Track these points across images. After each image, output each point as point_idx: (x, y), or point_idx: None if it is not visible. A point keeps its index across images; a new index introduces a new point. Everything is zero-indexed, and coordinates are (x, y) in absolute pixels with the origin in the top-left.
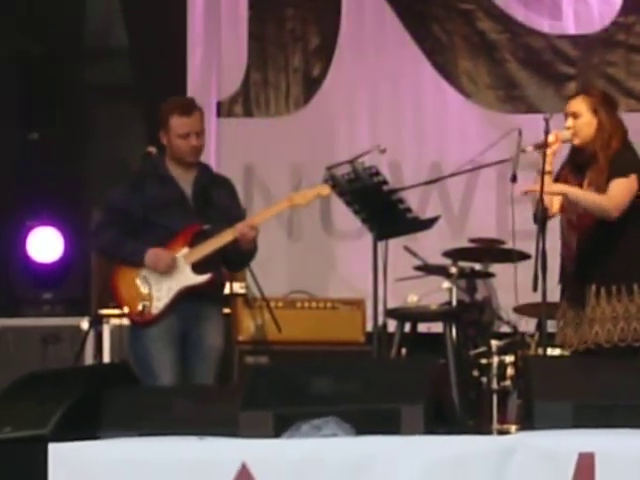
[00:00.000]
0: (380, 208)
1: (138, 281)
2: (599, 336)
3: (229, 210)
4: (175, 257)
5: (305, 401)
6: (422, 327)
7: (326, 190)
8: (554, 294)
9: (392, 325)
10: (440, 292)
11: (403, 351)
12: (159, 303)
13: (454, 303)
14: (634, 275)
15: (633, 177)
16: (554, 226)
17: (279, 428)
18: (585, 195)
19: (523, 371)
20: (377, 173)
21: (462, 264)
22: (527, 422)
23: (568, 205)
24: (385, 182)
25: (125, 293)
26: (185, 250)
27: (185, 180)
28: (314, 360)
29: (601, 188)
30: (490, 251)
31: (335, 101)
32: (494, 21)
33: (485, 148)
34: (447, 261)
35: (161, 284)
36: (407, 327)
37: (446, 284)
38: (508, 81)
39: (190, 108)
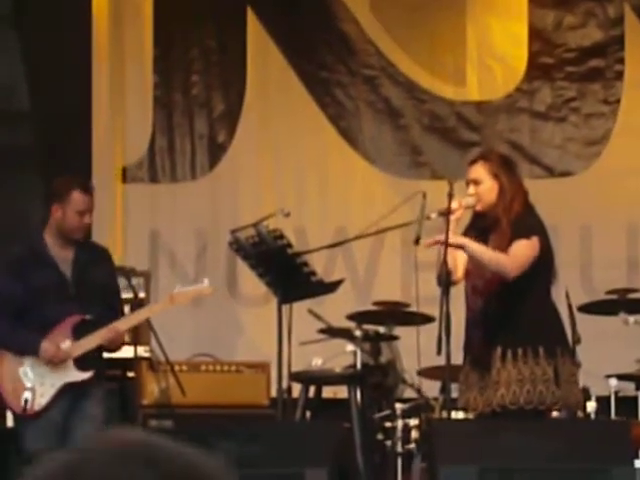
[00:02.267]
0: (284, 271)
1: (21, 374)
2: (505, 398)
3: (107, 288)
4: (68, 352)
5: None
6: (327, 392)
7: (208, 290)
8: (458, 357)
9: (297, 389)
10: (344, 355)
11: (307, 415)
12: (42, 399)
13: (358, 366)
14: (540, 338)
15: (535, 239)
16: (458, 293)
17: None
18: (485, 251)
19: (427, 434)
20: (281, 236)
21: (366, 327)
22: None
23: (473, 270)
24: (289, 245)
25: (7, 385)
26: (67, 343)
27: (64, 260)
28: (218, 424)
29: (505, 252)
30: (394, 314)
31: (240, 166)
32: (398, 87)
33: (390, 210)
34: (351, 324)
35: (44, 379)
36: (312, 390)
37: (350, 347)
38: (412, 147)
39: (90, 187)
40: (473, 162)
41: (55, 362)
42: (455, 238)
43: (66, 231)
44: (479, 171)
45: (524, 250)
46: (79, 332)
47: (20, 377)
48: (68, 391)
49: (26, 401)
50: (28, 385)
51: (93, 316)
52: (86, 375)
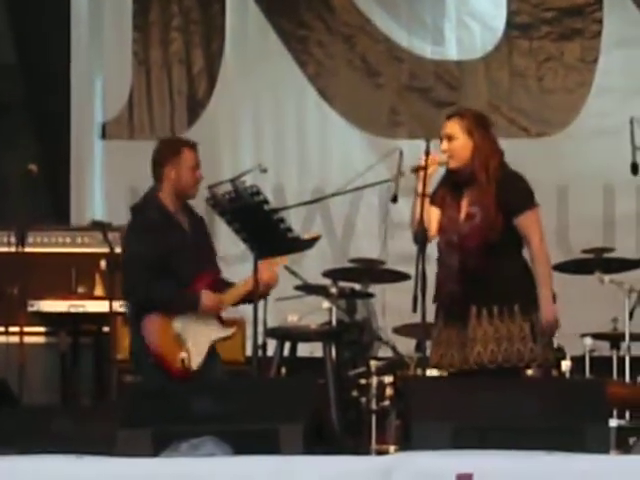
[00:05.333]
0: (261, 227)
1: (174, 335)
2: (482, 356)
3: (211, 250)
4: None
5: (184, 420)
6: (303, 351)
7: (284, 260)
8: (433, 315)
9: (273, 346)
10: (320, 312)
11: (283, 371)
12: (198, 358)
13: (334, 323)
14: (515, 296)
15: (537, 207)
16: (433, 252)
17: (157, 447)
18: (548, 270)
19: (402, 392)
20: (258, 192)
21: (342, 284)
22: (406, 442)
23: (448, 225)
24: (266, 201)
25: (163, 346)
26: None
27: (184, 222)
28: (188, 377)
29: (486, 207)
30: (370, 272)
31: (219, 123)
32: (377, 46)
33: (367, 168)
34: (327, 281)
35: (197, 338)
36: (287, 348)
37: (326, 304)
38: (390, 106)
39: (195, 144)
40: (448, 118)
41: (216, 311)
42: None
43: (183, 189)
44: (453, 127)
45: (538, 222)
46: (217, 289)
47: (174, 338)
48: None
49: (182, 361)
50: (182, 346)
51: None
52: (232, 330)
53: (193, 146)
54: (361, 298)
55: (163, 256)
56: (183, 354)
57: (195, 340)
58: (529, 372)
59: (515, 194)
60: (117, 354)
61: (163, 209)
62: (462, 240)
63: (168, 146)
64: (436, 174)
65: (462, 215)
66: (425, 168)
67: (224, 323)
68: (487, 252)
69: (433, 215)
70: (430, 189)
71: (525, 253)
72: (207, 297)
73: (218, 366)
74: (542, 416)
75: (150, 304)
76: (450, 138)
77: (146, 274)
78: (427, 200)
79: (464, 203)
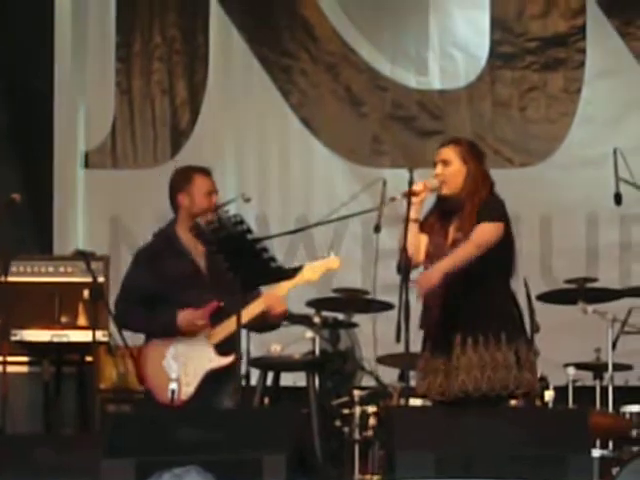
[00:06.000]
0: (244, 257)
1: (165, 366)
2: (466, 384)
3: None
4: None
5: (167, 449)
6: (287, 380)
7: (336, 262)
8: (417, 345)
9: (256, 375)
10: (303, 342)
11: (266, 401)
12: (188, 388)
13: (317, 353)
14: (501, 325)
15: (499, 225)
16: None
17: (141, 476)
18: (453, 260)
19: (385, 421)
20: (241, 222)
21: (325, 314)
22: (389, 472)
23: (434, 252)
24: (249, 231)
25: (153, 378)
26: (207, 331)
27: (198, 251)
28: (176, 409)
29: (468, 233)
30: (353, 301)
31: (202, 153)
32: (360, 75)
33: (350, 198)
34: (311, 311)
35: (187, 367)
36: (270, 377)
37: (309, 334)
38: (373, 135)
39: (209, 170)
40: (444, 145)
41: (196, 327)
42: (435, 276)
43: (197, 215)
44: (449, 153)
45: (486, 232)
46: (216, 319)
47: (164, 369)
48: (210, 378)
49: (173, 392)
50: (173, 376)
51: (231, 302)
52: (228, 360)
53: (206, 172)
54: (344, 328)
55: (158, 286)
56: (173, 385)
57: (186, 370)
58: (512, 402)
59: (481, 211)
60: (100, 383)
61: (172, 238)
62: None
63: (180, 174)
64: (426, 201)
65: (449, 242)
66: (415, 194)
67: (223, 352)
68: (472, 279)
69: (422, 242)
70: (420, 216)
71: (512, 282)
72: (183, 315)
73: (222, 394)
74: (525, 445)
75: (128, 329)
76: (445, 163)
77: (124, 301)
78: (416, 227)
79: (451, 230)
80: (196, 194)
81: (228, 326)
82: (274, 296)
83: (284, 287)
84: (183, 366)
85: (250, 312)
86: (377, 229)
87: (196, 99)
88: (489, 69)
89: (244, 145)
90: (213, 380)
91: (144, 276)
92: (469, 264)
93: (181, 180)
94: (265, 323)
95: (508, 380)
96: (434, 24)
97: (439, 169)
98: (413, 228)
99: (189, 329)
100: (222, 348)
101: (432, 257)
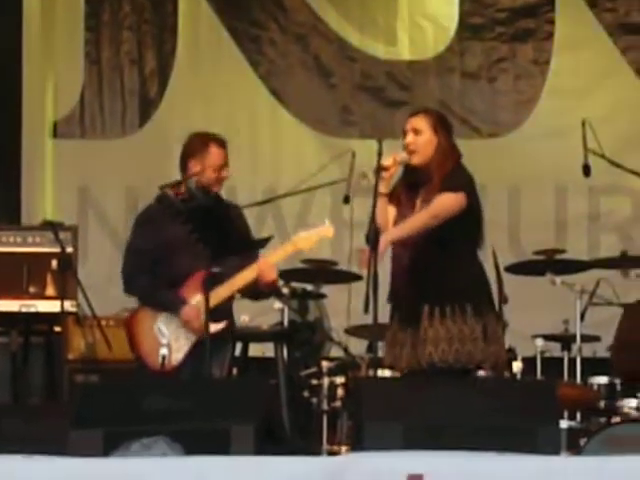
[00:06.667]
0: (214, 227)
1: (156, 331)
2: (433, 356)
3: (239, 242)
4: (204, 318)
5: (135, 420)
6: (255, 351)
7: (330, 231)
8: (386, 316)
9: None
10: (272, 313)
11: (234, 371)
12: (178, 354)
13: (285, 324)
14: (468, 297)
15: (461, 195)
16: (387, 252)
17: (109, 447)
18: (410, 226)
19: (353, 392)
20: (210, 192)
21: (294, 285)
22: (357, 443)
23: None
24: (219, 201)
25: (144, 343)
26: (198, 297)
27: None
28: (144, 378)
29: None
30: (322, 272)
31: (171, 123)
32: (329, 46)
33: (319, 169)
34: (280, 282)
35: (178, 334)
36: (239, 348)
37: (278, 305)
38: (342, 106)
39: (225, 142)
40: (414, 114)
41: (193, 329)
42: (382, 243)
43: (205, 185)
44: (420, 122)
45: (445, 201)
46: (210, 285)
47: (155, 334)
48: (202, 345)
49: (163, 358)
50: (164, 341)
51: (223, 269)
52: (219, 326)
53: (222, 144)
54: (313, 299)
55: (156, 249)
56: (163, 350)
57: (177, 336)
58: (480, 373)
59: (445, 181)
60: (68, 354)
61: (171, 203)
62: (412, 238)
63: (196, 139)
64: (396, 174)
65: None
66: (385, 169)
67: (215, 319)
68: (439, 251)
69: (391, 214)
70: (388, 190)
71: (480, 253)
72: (188, 311)
73: (212, 363)
74: (493, 417)
75: (132, 295)
76: (417, 132)
77: (131, 266)
78: (385, 200)
79: (419, 201)
80: (208, 164)
81: (221, 292)
82: (266, 263)
83: (277, 255)
84: (174, 332)
85: (244, 278)
86: (346, 200)
87: (165, 69)
88: (458, 40)
89: (213, 116)
90: (204, 347)
91: (141, 239)
92: (433, 235)
93: (197, 146)
94: (257, 290)
95: (475, 353)
96: None
97: (410, 138)
98: (382, 202)
99: (186, 324)
100: (215, 315)
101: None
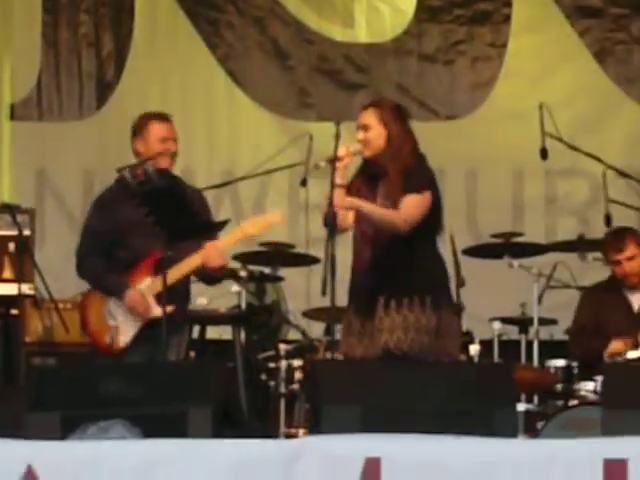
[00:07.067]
0: (170, 211)
1: (106, 313)
2: (388, 343)
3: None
4: (150, 304)
5: (93, 403)
6: (212, 333)
7: (278, 217)
8: (343, 299)
9: None
10: (229, 295)
11: (192, 354)
12: (125, 337)
13: (243, 306)
14: (427, 288)
15: (426, 194)
16: (346, 235)
17: (66, 430)
18: (376, 210)
19: (311, 375)
20: (167, 175)
21: (252, 268)
22: (315, 426)
23: (362, 215)
24: (175, 184)
25: (93, 324)
26: (148, 280)
27: None
28: (102, 362)
29: (396, 202)
30: (280, 255)
31: (128, 106)
32: (287, 28)
33: (276, 152)
34: (237, 265)
35: (127, 316)
36: (196, 330)
37: (235, 287)
38: (300, 88)
39: (167, 116)
40: (365, 108)
41: (136, 314)
42: (346, 201)
43: (153, 162)
44: (369, 117)
45: (415, 205)
46: (161, 268)
47: (105, 316)
48: (151, 328)
49: (111, 339)
50: (112, 323)
51: (175, 253)
52: (167, 310)
53: (163, 118)
54: (270, 281)
55: (112, 231)
56: (111, 331)
57: (126, 317)
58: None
59: (408, 180)
60: (26, 337)
61: (127, 184)
62: (376, 234)
63: (138, 120)
64: (352, 164)
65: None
66: (338, 159)
67: (160, 303)
68: (400, 245)
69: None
70: (345, 180)
71: (439, 244)
72: (132, 295)
73: (167, 346)
74: (450, 400)
75: (83, 278)
76: (366, 128)
77: (85, 248)
78: (343, 191)
79: (379, 195)
80: (151, 139)
81: (170, 277)
82: (212, 248)
83: (225, 241)
84: (123, 315)
85: (189, 263)
86: (304, 183)
87: (122, 52)
88: (416, 22)
89: (170, 98)
90: (155, 330)
91: (98, 221)
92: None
93: (137, 126)
94: (206, 275)
95: (430, 345)
96: None
97: (360, 135)
98: (340, 193)
99: (130, 309)
100: (165, 298)
101: (360, 221)
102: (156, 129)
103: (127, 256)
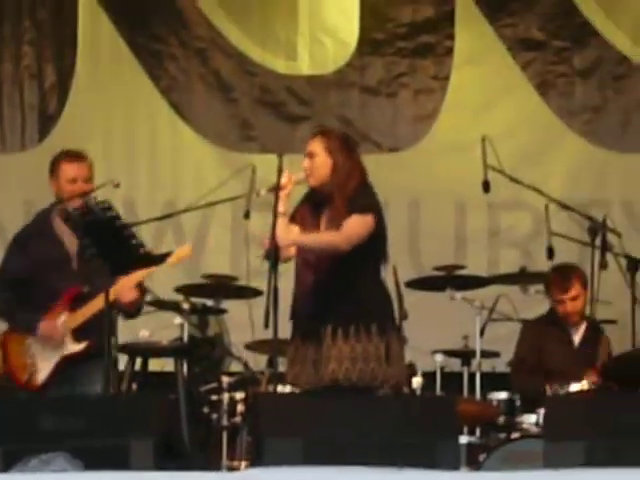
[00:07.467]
0: (112, 243)
1: (24, 350)
2: (336, 373)
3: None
4: (65, 330)
5: (34, 438)
6: (155, 365)
7: (186, 250)
8: (286, 331)
9: (123, 361)
10: (172, 328)
11: (134, 386)
12: (42, 374)
13: (185, 339)
14: (372, 316)
15: (369, 217)
16: (286, 266)
17: (7, 463)
18: (315, 238)
19: (253, 408)
20: (110, 208)
21: (194, 300)
22: (257, 459)
23: (304, 247)
24: (118, 216)
25: (13, 361)
26: (64, 316)
27: (70, 236)
28: (41, 395)
29: (340, 226)
30: (223, 287)
31: (70, 138)
32: (229, 60)
33: (219, 184)
34: (179, 297)
35: (44, 354)
36: (138, 363)
37: (178, 320)
38: (243, 121)
39: (78, 155)
40: (313, 136)
41: (54, 340)
42: (283, 239)
43: (66, 201)
44: (315, 145)
45: (356, 225)
46: (77, 304)
47: (24, 352)
48: (68, 362)
49: (30, 375)
50: (29, 360)
51: (95, 289)
52: (81, 346)
53: (73, 158)
54: (213, 314)
55: (29, 268)
56: (29, 369)
57: (43, 355)
58: (381, 391)
59: (351, 203)
60: None
61: (46, 222)
62: (318, 260)
63: (51, 160)
64: (294, 193)
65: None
66: (280, 188)
67: (80, 338)
68: (343, 272)
69: (294, 233)
70: (289, 208)
71: (383, 272)
72: (45, 326)
73: (93, 381)
74: (393, 432)
75: None
76: (311, 156)
77: (1, 287)
78: (285, 219)
79: (323, 222)
80: (61, 180)
81: (85, 312)
82: (122, 285)
83: (135, 276)
84: (41, 351)
85: (100, 300)
86: (247, 215)
87: (65, 84)
88: (358, 55)
89: (113, 130)
90: (73, 366)
91: (16, 259)
92: (338, 256)
93: (50, 166)
94: (122, 309)
95: (378, 372)
96: (303, 9)
97: (306, 162)
98: (282, 221)
99: (45, 339)
100: (80, 334)
101: (302, 249)
102: (65, 170)
103: (44, 292)
